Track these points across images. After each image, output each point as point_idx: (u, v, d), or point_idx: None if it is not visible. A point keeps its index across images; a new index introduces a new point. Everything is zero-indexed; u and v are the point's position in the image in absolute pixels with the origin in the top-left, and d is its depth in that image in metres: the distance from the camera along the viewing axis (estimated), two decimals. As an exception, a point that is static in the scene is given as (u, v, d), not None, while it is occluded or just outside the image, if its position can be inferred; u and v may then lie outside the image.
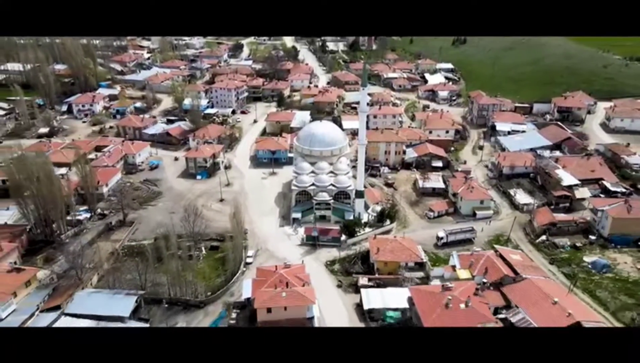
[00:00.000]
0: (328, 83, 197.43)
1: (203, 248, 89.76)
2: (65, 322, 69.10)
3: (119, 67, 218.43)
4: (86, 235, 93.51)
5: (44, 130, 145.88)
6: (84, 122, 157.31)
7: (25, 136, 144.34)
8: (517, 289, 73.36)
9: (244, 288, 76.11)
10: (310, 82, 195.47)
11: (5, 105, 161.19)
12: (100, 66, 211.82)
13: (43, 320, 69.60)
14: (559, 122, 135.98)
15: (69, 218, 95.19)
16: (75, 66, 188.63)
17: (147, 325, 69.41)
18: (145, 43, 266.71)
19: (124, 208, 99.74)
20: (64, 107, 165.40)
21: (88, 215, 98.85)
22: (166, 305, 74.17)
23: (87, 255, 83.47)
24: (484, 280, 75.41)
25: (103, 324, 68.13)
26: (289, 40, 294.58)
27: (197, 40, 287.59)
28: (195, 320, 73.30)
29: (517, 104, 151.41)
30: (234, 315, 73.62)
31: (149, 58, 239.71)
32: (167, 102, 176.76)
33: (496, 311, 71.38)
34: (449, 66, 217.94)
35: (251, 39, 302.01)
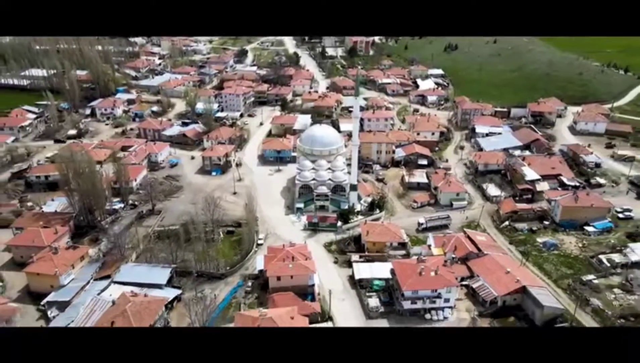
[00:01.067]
0: (327, 88, 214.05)
1: (221, 232, 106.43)
2: (114, 289, 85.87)
3: (133, 73, 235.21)
4: (122, 221, 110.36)
5: (72, 132, 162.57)
6: (106, 124, 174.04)
7: (56, 137, 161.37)
8: (479, 262, 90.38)
9: (257, 263, 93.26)
10: (311, 88, 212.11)
11: (35, 109, 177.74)
12: (116, 72, 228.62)
13: (97, 287, 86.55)
14: (531, 125, 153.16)
15: (106, 207, 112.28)
16: (95, 72, 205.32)
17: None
18: (156, 49, 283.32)
19: (153, 199, 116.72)
20: (88, 111, 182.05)
21: (122, 205, 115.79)
22: (196, 275, 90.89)
23: (126, 237, 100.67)
24: (453, 256, 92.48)
25: (135, 292, 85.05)
26: (290, 46, 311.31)
27: (203, 46, 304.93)
28: (218, 288, 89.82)
29: (496, 109, 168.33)
30: (249, 284, 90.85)
31: (160, 64, 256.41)
32: (180, 106, 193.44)
33: (462, 279, 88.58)
34: (440, 71, 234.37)
35: (255, 44, 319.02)
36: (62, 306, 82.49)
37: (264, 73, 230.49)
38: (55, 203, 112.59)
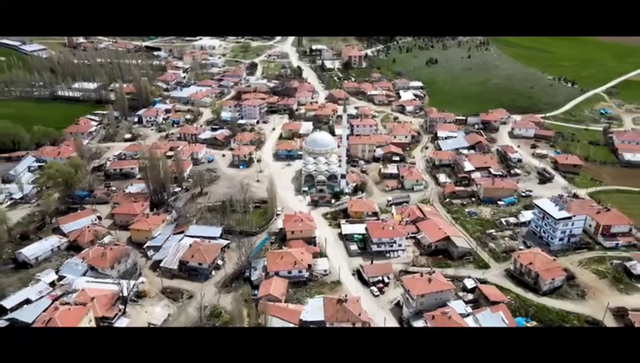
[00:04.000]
0: (326, 99, 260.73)
1: (251, 206, 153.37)
2: (187, 239, 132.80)
3: (164, 86, 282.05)
4: (181, 200, 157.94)
5: (128, 136, 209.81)
6: (151, 130, 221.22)
7: (115, 140, 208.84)
8: (424, 223, 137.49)
9: (278, 224, 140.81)
10: (312, 98, 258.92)
11: (95, 117, 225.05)
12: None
13: (176, 238, 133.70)
14: (480, 131, 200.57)
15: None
16: (137, 85, 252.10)
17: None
18: (180, 64, 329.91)
19: (200, 185, 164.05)
20: (135, 119, 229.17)
21: (179, 189, 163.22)
22: (238, 232, 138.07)
23: (187, 209, 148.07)
24: (407, 219, 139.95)
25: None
26: (294, 59, 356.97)
27: (219, 60, 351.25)
28: (252, 240, 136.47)
29: (457, 117, 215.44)
30: (273, 237, 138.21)
31: (184, 77, 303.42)
32: (206, 114, 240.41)
33: (413, 233, 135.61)
34: (419, 84, 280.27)
35: (263, 57, 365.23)
36: (156, 249, 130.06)
37: (272, 85, 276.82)
38: (134, 187, 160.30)
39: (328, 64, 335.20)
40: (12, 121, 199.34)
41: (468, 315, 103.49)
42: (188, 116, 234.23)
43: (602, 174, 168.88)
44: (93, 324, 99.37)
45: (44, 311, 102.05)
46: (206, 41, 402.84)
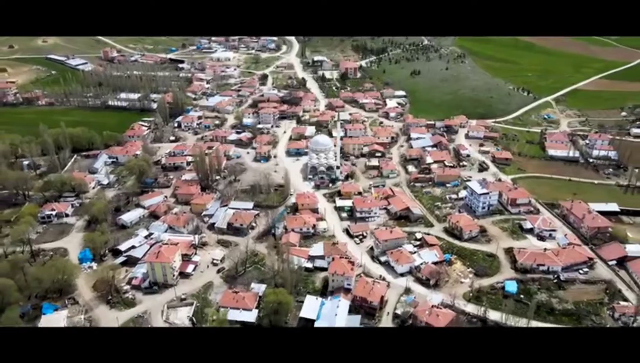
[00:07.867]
0: (326, 106, 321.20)
1: (272, 189, 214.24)
2: (230, 210, 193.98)
3: (192, 95, 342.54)
4: (221, 185, 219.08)
5: (172, 138, 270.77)
6: (189, 133, 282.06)
7: (162, 141, 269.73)
8: (393, 199, 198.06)
9: (292, 199, 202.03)
10: (315, 106, 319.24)
11: (144, 123, 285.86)
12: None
13: (222, 210, 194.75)
14: (443, 133, 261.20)
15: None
16: (174, 95, 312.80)
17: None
18: (202, 75, 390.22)
19: (234, 174, 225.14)
20: (175, 124, 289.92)
21: (218, 177, 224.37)
22: (265, 205, 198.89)
23: (227, 191, 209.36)
24: (382, 196, 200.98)
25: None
26: (298, 70, 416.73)
27: (234, 71, 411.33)
28: (275, 211, 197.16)
29: (428, 122, 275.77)
30: (288, 209, 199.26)
31: (208, 88, 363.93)
32: (230, 120, 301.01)
33: (385, 206, 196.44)
34: (403, 93, 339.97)
35: (272, 68, 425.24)
36: (210, 216, 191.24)
37: (282, 95, 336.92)
38: (187, 176, 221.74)
39: (327, 75, 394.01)
40: (86, 127, 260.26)
41: (414, 252, 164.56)
42: (217, 122, 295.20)
43: (528, 165, 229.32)
44: (180, 258, 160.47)
45: (148, 250, 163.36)
46: (221, 53, 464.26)
